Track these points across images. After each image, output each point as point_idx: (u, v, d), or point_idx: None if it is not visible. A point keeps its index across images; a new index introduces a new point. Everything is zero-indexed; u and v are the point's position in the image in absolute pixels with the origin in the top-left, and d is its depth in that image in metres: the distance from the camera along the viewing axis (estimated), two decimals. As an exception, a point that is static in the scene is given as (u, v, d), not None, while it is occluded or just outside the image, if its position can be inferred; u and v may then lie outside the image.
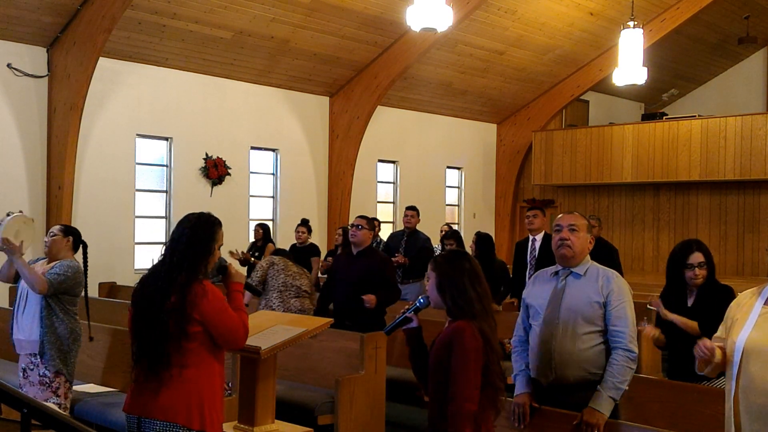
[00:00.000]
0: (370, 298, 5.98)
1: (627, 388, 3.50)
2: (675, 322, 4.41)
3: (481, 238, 8.13)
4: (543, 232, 7.69)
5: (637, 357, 3.57)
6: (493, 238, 8.61)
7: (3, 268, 4.85)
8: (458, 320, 3.07)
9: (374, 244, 9.46)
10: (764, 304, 3.12)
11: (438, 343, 3.13)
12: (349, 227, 7.08)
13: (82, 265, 4.82)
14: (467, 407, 2.95)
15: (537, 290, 3.76)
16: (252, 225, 12.43)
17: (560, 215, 3.82)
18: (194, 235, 3.31)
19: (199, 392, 3.21)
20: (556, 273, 3.72)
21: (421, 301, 3.26)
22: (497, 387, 3.06)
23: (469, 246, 8.37)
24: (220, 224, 3.41)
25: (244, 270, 10.43)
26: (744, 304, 3.21)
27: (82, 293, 4.86)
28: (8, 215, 4.76)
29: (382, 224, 14.48)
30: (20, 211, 4.89)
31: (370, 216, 10.04)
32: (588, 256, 3.71)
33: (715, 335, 3.32)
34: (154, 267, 3.38)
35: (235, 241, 11.17)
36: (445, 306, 3.14)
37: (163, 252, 3.39)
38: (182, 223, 3.37)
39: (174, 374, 3.18)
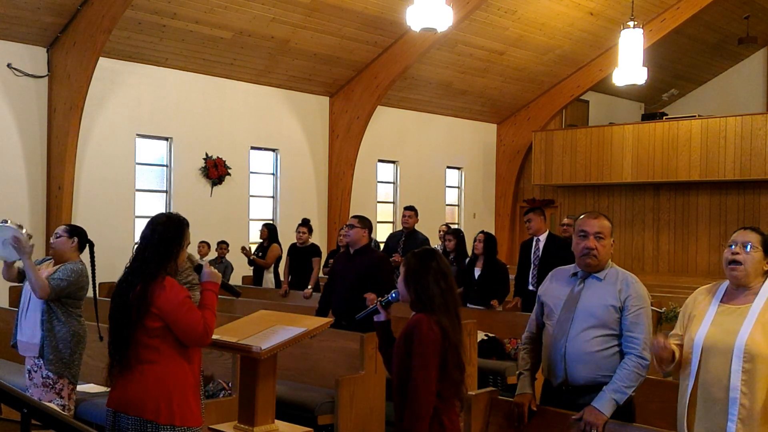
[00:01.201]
0: (371, 297, 5.94)
1: (633, 393, 3.48)
2: None
3: (490, 239, 8.18)
4: (547, 232, 7.67)
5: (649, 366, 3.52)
6: (493, 238, 8.63)
7: (4, 269, 4.84)
8: (418, 313, 3.24)
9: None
10: (720, 300, 3.20)
11: (399, 336, 3.28)
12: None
13: (88, 264, 4.81)
14: (424, 395, 3.10)
15: (554, 289, 3.69)
16: (252, 225, 12.46)
17: (584, 218, 3.63)
18: (166, 232, 3.42)
19: (166, 388, 3.28)
20: (575, 274, 3.64)
21: (393, 295, 3.43)
22: (456, 379, 3.20)
23: (473, 244, 8.38)
24: (188, 225, 3.53)
25: (250, 270, 10.47)
26: (700, 301, 3.25)
27: (90, 294, 4.86)
28: (3, 221, 4.68)
29: (378, 224, 14.55)
30: (20, 225, 4.78)
31: (366, 215, 10.03)
32: (610, 260, 3.63)
33: (671, 332, 3.38)
34: (127, 267, 3.47)
35: (234, 241, 11.18)
36: (408, 300, 3.31)
37: (134, 251, 3.49)
38: (154, 221, 3.48)
39: (141, 370, 3.28)
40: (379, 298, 3.49)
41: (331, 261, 8.91)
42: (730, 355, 3.04)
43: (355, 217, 6.52)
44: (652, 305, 8.20)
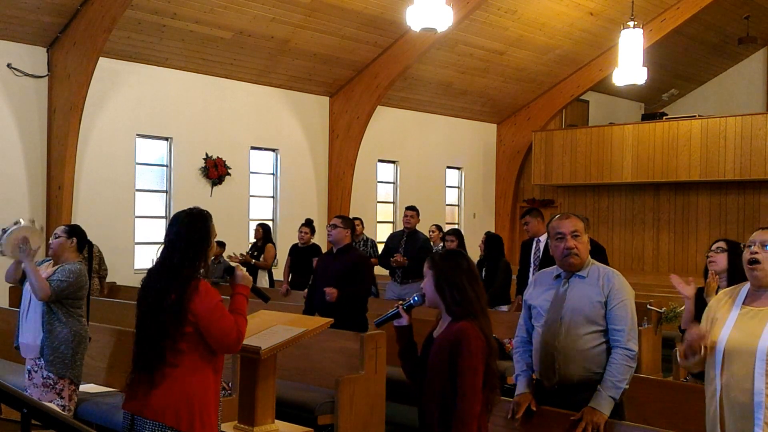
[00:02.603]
0: (330, 291, 6.13)
1: (627, 386, 3.49)
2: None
3: (491, 239, 8.23)
4: (547, 233, 7.69)
5: (637, 356, 3.55)
6: (494, 238, 8.66)
7: (10, 270, 4.85)
8: (461, 320, 3.09)
9: (359, 243, 9.53)
10: (742, 303, 3.16)
11: (440, 343, 3.13)
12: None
13: (86, 264, 4.82)
14: (476, 407, 3.00)
15: (539, 292, 3.73)
16: (252, 225, 12.44)
17: (557, 220, 3.71)
18: (191, 232, 3.30)
19: (189, 394, 3.20)
20: (558, 276, 3.69)
21: (416, 299, 3.28)
22: (494, 386, 3.11)
23: (478, 246, 8.45)
24: (211, 217, 3.41)
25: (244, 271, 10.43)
26: (722, 303, 3.23)
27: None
28: (15, 224, 4.72)
29: (378, 224, 14.56)
30: (32, 220, 4.87)
31: (354, 216, 10.08)
32: (589, 257, 3.69)
33: None
34: (153, 269, 3.35)
35: (235, 241, 11.18)
36: (443, 305, 3.15)
37: (159, 253, 3.35)
38: (176, 223, 3.35)
39: (166, 375, 3.18)
40: (401, 302, 3.35)
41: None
42: (754, 358, 2.98)
43: (338, 217, 6.68)
44: (652, 305, 8.13)
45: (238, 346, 3.31)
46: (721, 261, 4.58)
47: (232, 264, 3.61)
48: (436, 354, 3.12)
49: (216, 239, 3.44)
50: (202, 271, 3.28)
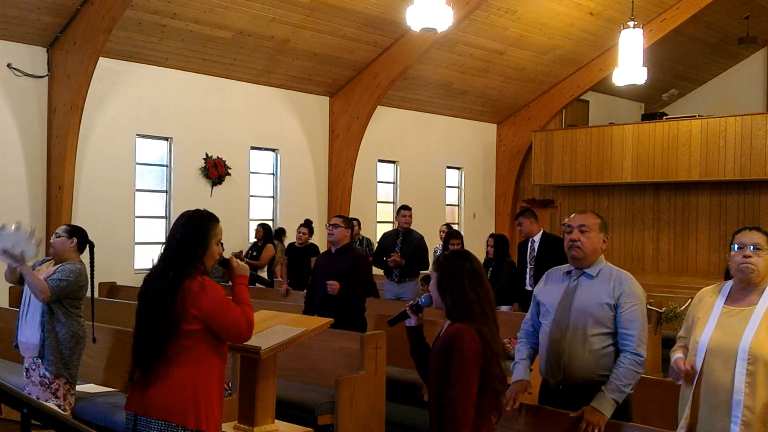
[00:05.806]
0: (333, 284, 6.17)
1: (631, 391, 3.48)
2: None
3: (499, 240, 8.30)
4: (541, 232, 7.76)
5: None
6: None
7: (7, 272, 4.85)
8: (457, 323, 3.05)
9: (356, 242, 9.56)
10: (724, 302, 3.17)
11: (437, 346, 3.12)
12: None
13: (88, 265, 4.81)
14: (465, 411, 2.94)
15: (549, 289, 3.73)
16: (252, 225, 12.46)
17: (572, 215, 3.75)
18: (186, 232, 3.32)
19: (194, 391, 3.18)
20: (569, 272, 3.68)
21: (423, 300, 3.28)
22: (497, 390, 3.04)
23: (484, 246, 8.48)
24: (216, 220, 3.41)
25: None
26: (705, 302, 3.24)
27: (88, 294, 4.86)
28: (2, 228, 4.67)
29: (378, 224, 14.56)
30: (18, 224, 4.81)
31: (354, 216, 10.10)
32: (602, 257, 3.65)
33: (678, 335, 3.40)
34: (153, 267, 3.37)
35: (234, 241, 11.17)
36: (444, 307, 3.14)
37: (161, 251, 3.39)
38: (177, 221, 3.40)
39: (170, 372, 3.17)
40: (410, 303, 3.35)
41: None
42: (735, 357, 3.03)
43: (338, 216, 6.70)
44: (652, 305, 8.14)
45: (250, 333, 3.34)
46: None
47: (226, 257, 3.63)
48: (434, 357, 3.12)
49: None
50: (200, 269, 3.28)
